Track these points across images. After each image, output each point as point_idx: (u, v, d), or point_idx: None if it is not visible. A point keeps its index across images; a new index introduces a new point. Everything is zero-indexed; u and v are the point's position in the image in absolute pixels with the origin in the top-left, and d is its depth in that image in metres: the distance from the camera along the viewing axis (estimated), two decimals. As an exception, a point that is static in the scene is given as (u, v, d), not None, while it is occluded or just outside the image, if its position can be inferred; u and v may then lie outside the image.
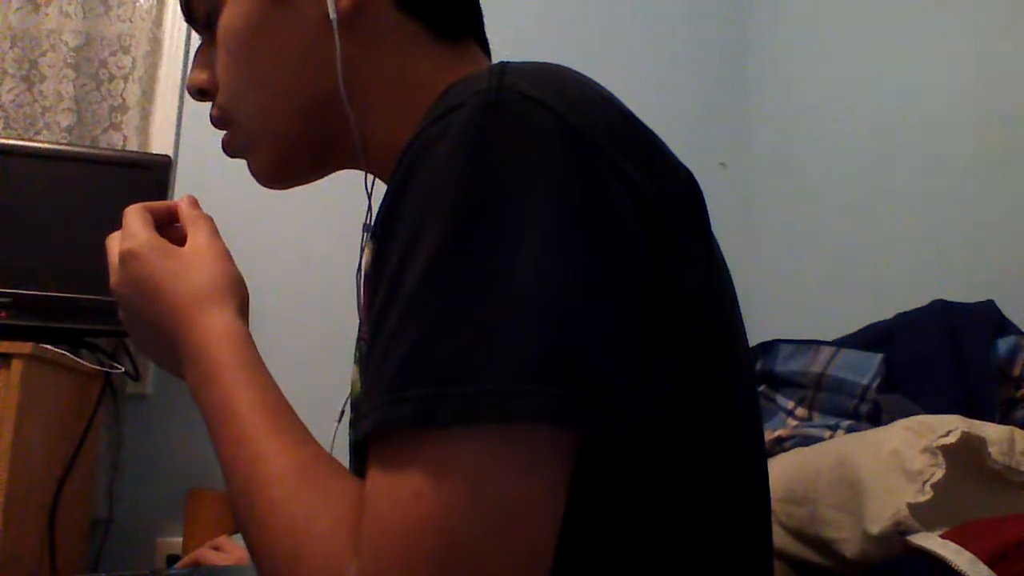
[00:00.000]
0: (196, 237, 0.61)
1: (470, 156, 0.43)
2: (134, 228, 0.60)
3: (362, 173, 0.65)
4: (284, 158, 0.64)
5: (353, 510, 0.43)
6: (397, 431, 0.41)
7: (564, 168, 0.43)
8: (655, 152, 0.50)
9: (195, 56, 0.66)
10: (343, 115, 0.59)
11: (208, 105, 0.66)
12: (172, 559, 1.77)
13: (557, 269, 0.41)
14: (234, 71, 0.62)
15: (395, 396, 0.41)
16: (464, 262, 0.41)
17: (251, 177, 0.67)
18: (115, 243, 0.62)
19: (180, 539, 1.81)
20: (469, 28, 0.64)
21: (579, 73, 0.51)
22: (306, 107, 0.61)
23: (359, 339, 0.63)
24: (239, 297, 0.58)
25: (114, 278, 0.61)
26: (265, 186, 0.66)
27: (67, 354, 1.55)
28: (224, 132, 0.66)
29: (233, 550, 0.92)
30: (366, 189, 0.65)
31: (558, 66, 0.50)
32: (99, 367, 1.66)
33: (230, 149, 0.66)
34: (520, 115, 0.44)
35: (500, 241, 0.41)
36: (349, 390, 0.64)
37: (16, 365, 1.39)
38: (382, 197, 0.55)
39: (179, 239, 0.61)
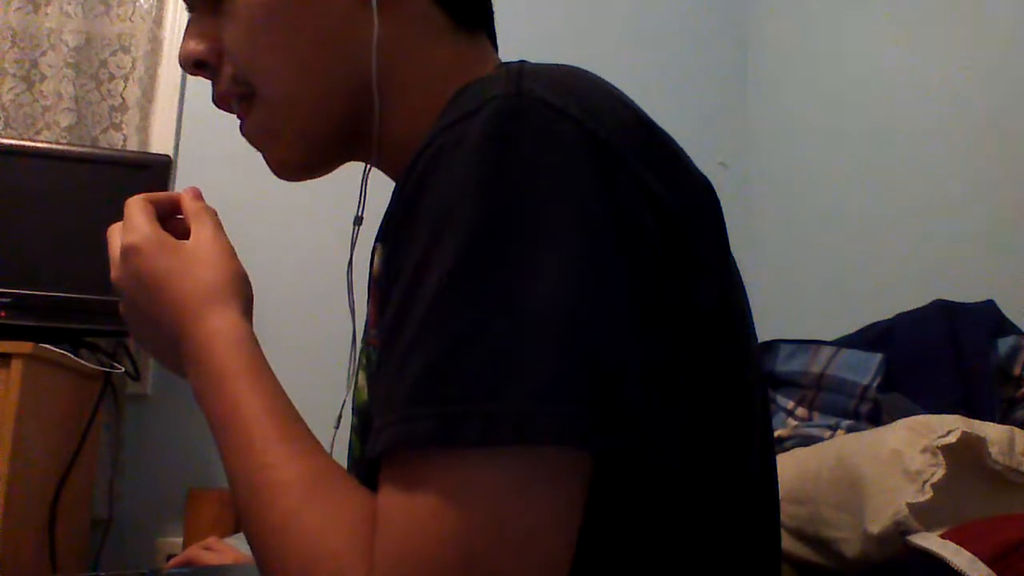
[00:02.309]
0: (200, 232, 0.59)
1: (490, 165, 0.42)
2: (136, 221, 0.58)
3: (360, 169, 0.64)
4: (310, 143, 0.61)
5: (366, 525, 0.42)
6: (415, 447, 0.40)
7: (585, 180, 0.43)
8: (675, 162, 0.49)
9: (188, 27, 0.62)
10: (367, 102, 0.57)
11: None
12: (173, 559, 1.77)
13: (579, 285, 0.41)
14: (260, 44, 0.58)
15: (413, 412, 0.40)
16: (483, 276, 0.41)
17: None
18: (116, 235, 0.60)
19: (180, 539, 1.81)
20: (484, 21, 0.63)
21: (597, 77, 0.50)
22: (335, 88, 0.59)
23: (365, 343, 0.62)
24: (244, 296, 0.56)
25: (115, 272, 0.59)
26: (285, 177, 0.63)
27: (67, 354, 1.55)
28: (230, 112, 0.62)
29: (225, 550, 0.91)
30: (363, 180, 0.64)
31: (576, 69, 0.49)
32: (99, 367, 1.66)
33: (249, 132, 0.62)
34: (539, 123, 0.43)
35: (520, 255, 0.41)
36: (347, 394, 0.63)
37: (16, 365, 1.39)
38: (390, 198, 0.54)
39: (182, 231, 0.59)
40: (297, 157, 0.62)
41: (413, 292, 0.42)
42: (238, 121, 0.63)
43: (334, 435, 0.60)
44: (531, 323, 0.39)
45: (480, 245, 0.41)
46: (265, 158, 0.63)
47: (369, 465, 0.43)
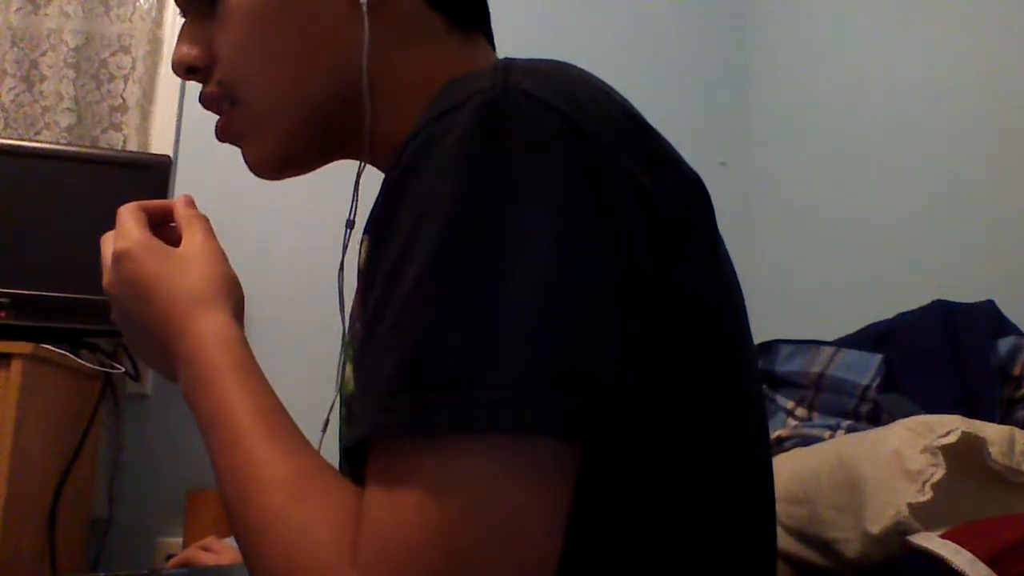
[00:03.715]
0: (191, 238, 0.59)
1: (473, 157, 0.42)
2: (128, 227, 0.59)
3: (355, 169, 0.64)
4: (292, 145, 0.61)
5: (352, 520, 0.42)
6: (393, 438, 0.40)
7: (569, 171, 0.43)
8: (662, 154, 0.49)
9: (182, 31, 0.62)
10: (358, 104, 0.57)
11: (207, 101, 0.64)
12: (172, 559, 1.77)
13: (560, 275, 0.41)
14: (249, 50, 0.59)
15: (390, 401, 0.40)
16: (465, 265, 0.41)
17: (250, 177, 0.65)
18: (109, 243, 0.60)
19: (180, 539, 1.81)
20: (480, 21, 0.63)
21: (585, 71, 0.50)
22: (324, 93, 0.59)
23: (352, 337, 0.62)
24: (234, 300, 0.57)
25: (106, 278, 0.59)
26: (261, 174, 0.63)
27: (67, 354, 1.55)
28: (215, 113, 0.63)
29: (223, 550, 0.92)
30: (355, 184, 0.64)
31: (564, 64, 0.49)
32: (99, 367, 1.66)
33: (227, 133, 0.63)
34: (525, 116, 0.43)
35: (502, 245, 0.41)
36: (336, 397, 0.63)
37: (16, 365, 1.39)
38: (378, 191, 0.54)
39: (174, 239, 0.60)
40: (277, 156, 0.62)
41: (393, 283, 0.42)
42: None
43: (321, 439, 0.60)
44: (508, 313, 0.39)
45: (460, 235, 0.41)
46: (243, 154, 0.63)
47: (349, 454, 0.43)
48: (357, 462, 0.43)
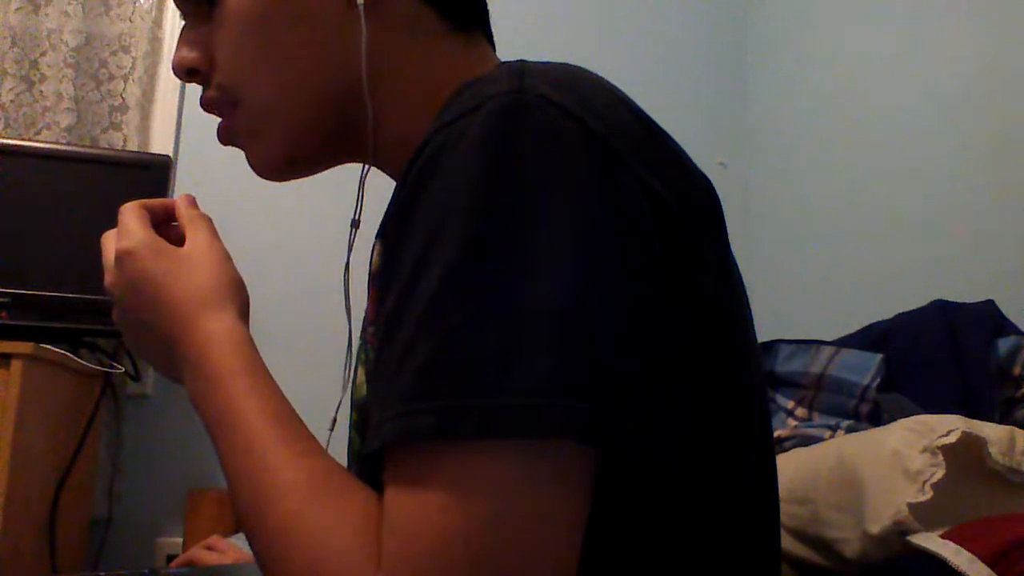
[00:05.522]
0: (195, 237, 0.59)
1: (490, 161, 0.42)
2: (131, 226, 0.58)
3: (358, 169, 0.64)
4: (294, 148, 0.61)
5: (371, 523, 0.42)
6: (417, 442, 0.40)
7: (586, 176, 0.43)
8: (675, 161, 0.49)
9: (181, 34, 0.62)
10: (360, 105, 0.57)
11: (208, 105, 0.63)
12: (172, 559, 1.77)
13: (579, 279, 0.41)
14: (247, 53, 0.58)
15: (414, 406, 0.40)
16: (484, 270, 0.41)
17: (250, 177, 0.64)
18: (111, 242, 0.59)
19: (180, 539, 1.81)
20: (479, 20, 0.63)
21: (597, 76, 0.50)
22: (324, 95, 0.59)
23: (363, 340, 0.62)
24: (240, 300, 0.56)
25: (109, 277, 0.59)
26: (266, 177, 0.63)
27: (67, 354, 1.55)
28: (217, 116, 0.62)
29: (227, 549, 0.91)
30: (360, 184, 0.63)
31: (576, 67, 0.49)
32: (99, 367, 1.66)
33: (228, 136, 0.62)
34: (541, 120, 0.43)
35: (520, 250, 0.41)
36: (342, 396, 0.63)
37: (16, 365, 1.39)
38: (391, 195, 0.54)
39: (176, 239, 0.59)
40: (279, 160, 0.61)
41: (412, 288, 0.42)
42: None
43: (328, 438, 0.60)
44: (531, 318, 0.40)
45: (479, 242, 0.41)
46: (247, 157, 0.63)
47: (366, 460, 0.43)
48: (374, 466, 0.43)
